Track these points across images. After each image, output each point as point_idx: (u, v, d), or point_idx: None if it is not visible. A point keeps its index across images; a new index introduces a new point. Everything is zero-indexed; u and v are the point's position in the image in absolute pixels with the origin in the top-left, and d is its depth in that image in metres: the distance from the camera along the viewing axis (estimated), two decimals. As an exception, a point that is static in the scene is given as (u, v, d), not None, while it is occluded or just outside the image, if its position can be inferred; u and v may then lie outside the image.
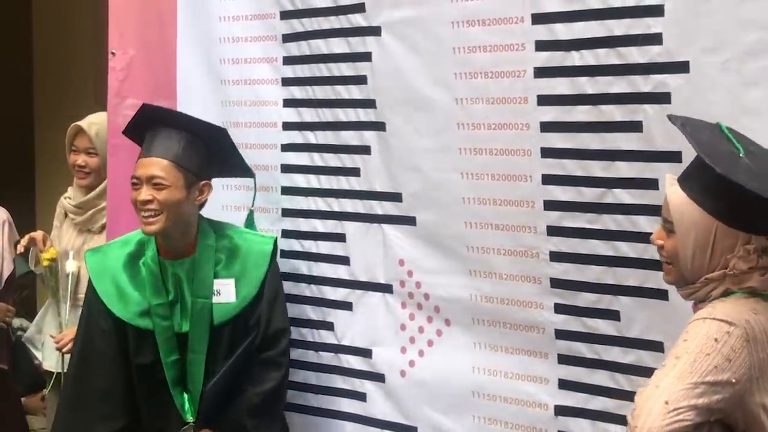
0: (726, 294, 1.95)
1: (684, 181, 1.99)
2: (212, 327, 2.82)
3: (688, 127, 1.99)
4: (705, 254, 1.95)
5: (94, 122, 3.66)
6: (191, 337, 2.80)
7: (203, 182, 2.80)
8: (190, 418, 2.82)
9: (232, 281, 2.83)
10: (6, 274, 3.77)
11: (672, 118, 2.04)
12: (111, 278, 2.82)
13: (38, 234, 3.61)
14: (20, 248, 3.62)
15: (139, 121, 2.82)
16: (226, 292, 2.82)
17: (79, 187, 3.69)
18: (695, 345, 1.83)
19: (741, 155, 1.93)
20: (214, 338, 2.82)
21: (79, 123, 3.67)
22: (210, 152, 2.83)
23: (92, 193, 3.65)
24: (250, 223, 3.05)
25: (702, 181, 1.94)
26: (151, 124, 2.79)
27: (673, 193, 1.99)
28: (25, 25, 6.47)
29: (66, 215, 3.75)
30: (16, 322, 3.80)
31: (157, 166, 2.71)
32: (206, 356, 2.82)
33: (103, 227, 3.59)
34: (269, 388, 2.81)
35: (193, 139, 2.79)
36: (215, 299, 2.81)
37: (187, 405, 2.82)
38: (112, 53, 3.43)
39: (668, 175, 2.05)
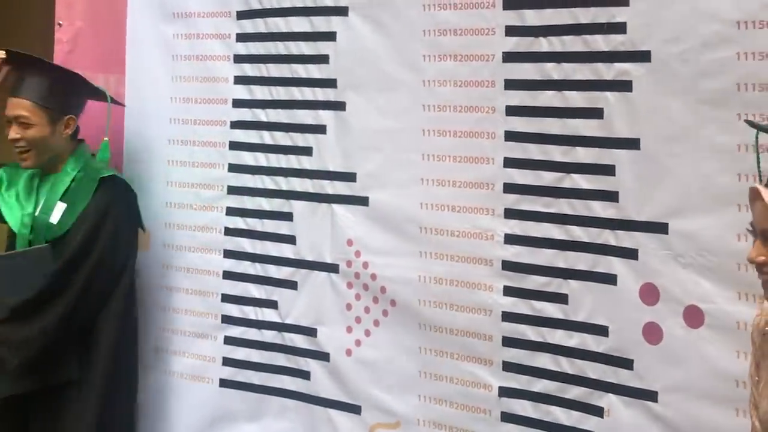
0: None
1: None
2: (46, 242, 3.06)
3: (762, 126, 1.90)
4: None
5: None
6: (33, 245, 3.08)
7: (68, 117, 3.09)
8: None
9: (64, 206, 3.09)
10: None
11: (749, 122, 1.97)
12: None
13: None
14: None
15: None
16: (56, 214, 3.08)
17: None
18: None
19: None
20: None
21: None
22: (70, 91, 3.14)
23: None
24: (102, 151, 3.20)
25: None
26: (17, 67, 3.05)
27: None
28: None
29: None
30: None
31: (23, 106, 3.02)
32: None
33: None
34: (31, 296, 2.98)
35: (54, 81, 3.09)
36: (51, 218, 3.08)
37: None
38: (59, 24, 3.41)
39: (759, 187, 1.88)
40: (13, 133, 3.01)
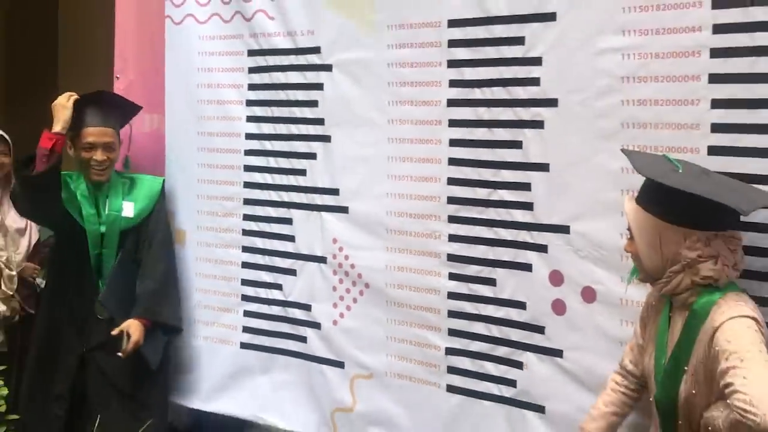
0: (696, 289, 1.85)
1: (637, 197, 1.94)
2: (120, 232, 3.07)
3: (632, 155, 2.00)
4: (657, 251, 1.88)
5: None
6: (106, 237, 3.05)
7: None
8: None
9: (132, 203, 3.09)
10: (33, 241, 3.67)
11: (624, 151, 2.06)
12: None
13: None
14: None
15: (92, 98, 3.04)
16: (128, 210, 3.08)
17: None
18: (750, 340, 1.71)
19: (679, 170, 1.88)
20: (122, 240, 3.08)
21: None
22: (127, 120, 3.20)
23: None
24: (126, 164, 3.26)
25: (647, 192, 1.90)
26: (87, 103, 2.99)
27: (628, 206, 1.94)
28: (52, 56, 6.32)
29: None
30: (41, 275, 3.70)
31: (109, 134, 3.01)
32: (116, 252, 3.07)
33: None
34: (159, 274, 3.08)
35: (126, 112, 3.15)
36: (124, 213, 3.08)
37: (102, 287, 3.01)
38: (117, 77, 3.40)
39: (628, 195, 2.05)
40: (101, 155, 2.96)
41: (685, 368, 1.85)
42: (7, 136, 3.61)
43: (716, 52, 2.08)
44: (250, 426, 3.19)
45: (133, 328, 2.91)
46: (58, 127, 2.87)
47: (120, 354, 2.87)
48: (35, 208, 3.00)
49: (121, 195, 3.08)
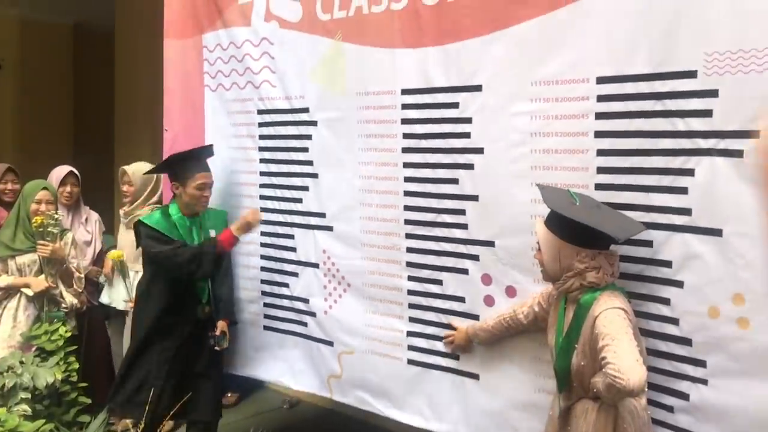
0: (583, 289, 1.83)
1: (545, 221, 1.92)
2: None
3: (543, 190, 1.95)
4: (557, 261, 1.87)
5: (134, 169, 3.56)
6: None
7: None
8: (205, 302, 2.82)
9: (214, 230, 2.82)
10: (98, 250, 3.55)
11: (539, 186, 2.00)
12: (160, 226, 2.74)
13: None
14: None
15: (196, 152, 2.85)
16: (212, 235, 2.81)
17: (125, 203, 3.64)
18: (619, 325, 1.71)
19: (577, 203, 1.87)
20: None
21: (124, 167, 3.59)
22: None
23: (134, 205, 3.55)
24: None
25: (552, 219, 1.89)
26: (196, 156, 2.81)
27: (539, 227, 1.93)
28: (108, 108, 6.13)
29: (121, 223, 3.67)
30: (101, 278, 3.58)
31: (211, 176, 2.81)
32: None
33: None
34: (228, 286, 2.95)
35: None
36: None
37: (206, 291, 2.83)
38: (166, 130, 3.24)
39: (538, 218, 1.98)
40: (208, 192, 2.79)
41: (576, 346, 1.83)
42: (76, 171, 3.53)
43: (600, 115, 1.98)
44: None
45: (225, 328, 2.84)
46: (240, 232, 2.75)
47: (218, 348, 2.80)
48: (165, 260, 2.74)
49: (207, 224, 2.85)
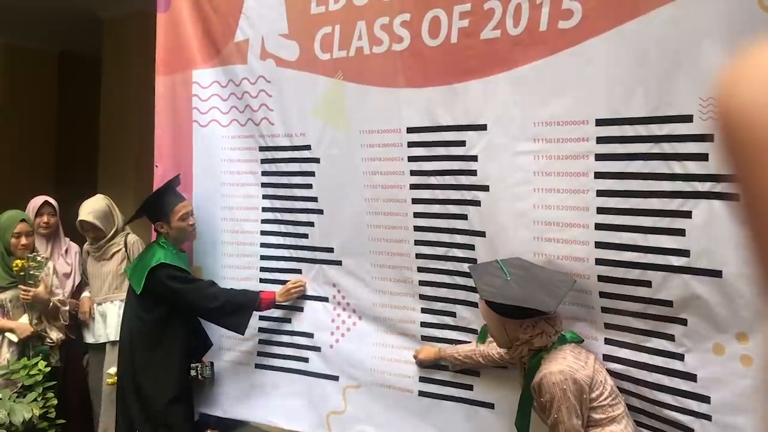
0: (535, 352, 1.98)
1: (486, 301, 2.03)
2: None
3: (475, 271, 2.10)
4: (504, 334, 2.03)
5: (89, 210, 3.56)
6: None
7: None
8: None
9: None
10: (76, 283, 3.60)
11: (469, 267, 2.18)
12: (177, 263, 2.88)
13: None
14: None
15: (166, 188, 2.95)
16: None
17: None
18: (551, 395, 1.84)
19: (508, 279, 1.99)
20: None
21: (81, 219, 3.54)
22: None
23: (101, 242, 3.58)
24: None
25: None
26: (167, 191, 2.94)
27: (481, 306, 2.07)
28: (92, 138, 6.14)
29: (89, 254, 3.67)
30: (80, 315, 3.63)
31: (189, 203, 2.97)
32: None
33: (111, 255, 3.59)
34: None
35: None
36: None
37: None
38: (156, 166, 3.30)
39: (480, 299, 2.08)
40: (193, 220, 2.95)
41: (534, 404, 2.01)
42: (52, 201, 3.56)
43: (600, 156, 2.08)
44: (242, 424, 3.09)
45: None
46: (282, 299, 2.88)
47: (202, 377, 2.99)
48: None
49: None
